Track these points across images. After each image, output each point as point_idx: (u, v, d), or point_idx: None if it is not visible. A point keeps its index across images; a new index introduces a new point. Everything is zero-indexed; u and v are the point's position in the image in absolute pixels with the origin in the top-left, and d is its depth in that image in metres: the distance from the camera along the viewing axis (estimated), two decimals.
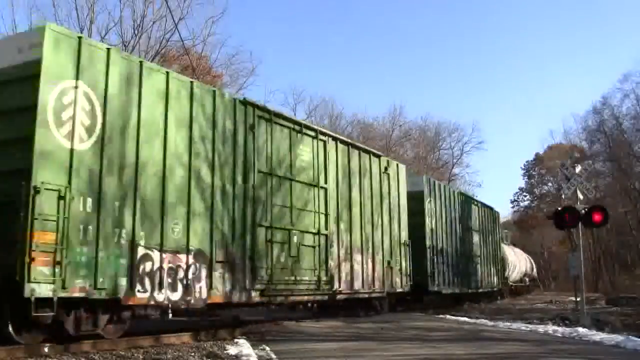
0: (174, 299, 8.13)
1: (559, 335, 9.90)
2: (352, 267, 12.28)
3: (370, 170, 13.53)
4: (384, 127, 47.95)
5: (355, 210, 12.72)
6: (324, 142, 11.92)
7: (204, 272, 8.64)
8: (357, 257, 12.57)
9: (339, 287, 11.78)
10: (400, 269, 14.50)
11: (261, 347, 7.48)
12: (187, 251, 8.38)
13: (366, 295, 12.88)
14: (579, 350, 7.84)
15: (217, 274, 8.86)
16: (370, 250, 13.10)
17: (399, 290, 14.44)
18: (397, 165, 15.11)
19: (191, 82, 8.95)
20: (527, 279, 37.12)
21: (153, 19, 23.65)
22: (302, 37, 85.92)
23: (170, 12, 21.32)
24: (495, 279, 25.35)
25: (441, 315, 14.55)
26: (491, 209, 25.93)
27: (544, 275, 54.11)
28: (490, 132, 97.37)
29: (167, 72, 8.56)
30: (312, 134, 11.62)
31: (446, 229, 18.73)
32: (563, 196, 18.00)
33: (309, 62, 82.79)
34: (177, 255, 8.24)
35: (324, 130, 12.16)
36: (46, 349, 6.72)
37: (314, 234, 11.23)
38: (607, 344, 8.40)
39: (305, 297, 11.03)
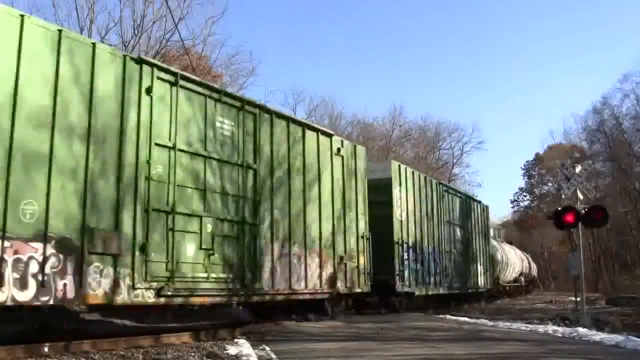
0: (22, 300, 6.37)
1: (559, 335, 9.84)
2: (290, 263, 10.44)
3: (317, 151, 11.59)
4: (384, 127, 48.01)
5: (297, 196, 10.83)
6: (255, 115, 10.09)
7: (70, 266, 6.86)
8: (299, 252, 10.72)
9: (272, 286, 9.98)
10: (358, 267, 12.65)
11: (261, 347, 7.35)
12: (45, 239, 6.62)
13: (309, 297, 11.03)
14: (579, 350, 7.79)
15: (91, 269, 7.09)
16: (317, 245, 11.21)
17: (357, 290, 12.60)
18: (355, 147, 13.11)
19: (59, 30, 7.20)
20: (522, 279, 35.08)
21: (153, 19, 23.35)
22: (302, 37, 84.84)
23: (170, 12, 20.95)
24: (484, 278, 23.42)
25: (441, 315, 14.43)
26: (479, 202, 24.02)
27: (544, 275, 53.16)
28: (490, 132, 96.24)
29: (22, 16, 6.81)
30: (238, 104, 9.76)
31: (421, 223, 16.74)
32: (563, 196, 17.24)
33: (309, 62, 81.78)
34: (29, 244, 6.48)
35: (254, 101, 10.26)
36: (46, 349, 6.46)
37: (238, 222, 9.42)
38: (607, 344, 8.35)
39: (223, 299, 9.15)
